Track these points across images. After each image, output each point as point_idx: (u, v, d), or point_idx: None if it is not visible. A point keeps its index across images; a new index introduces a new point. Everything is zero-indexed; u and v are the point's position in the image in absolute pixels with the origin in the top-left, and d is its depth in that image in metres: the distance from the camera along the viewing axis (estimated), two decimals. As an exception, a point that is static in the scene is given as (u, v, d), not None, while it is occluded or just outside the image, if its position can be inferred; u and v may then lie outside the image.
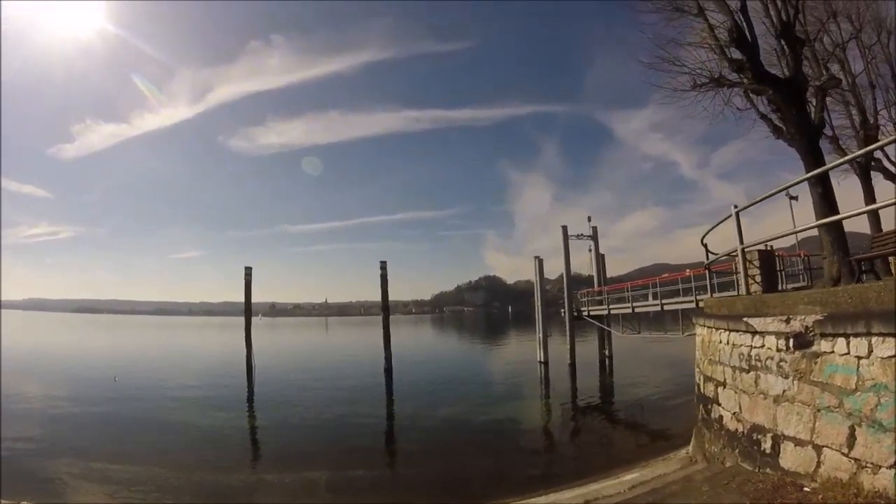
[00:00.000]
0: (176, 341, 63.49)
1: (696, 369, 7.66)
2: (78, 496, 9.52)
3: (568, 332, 28.24)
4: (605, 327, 27.98)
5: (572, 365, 26.75)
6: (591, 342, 31.22)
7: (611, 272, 32.05)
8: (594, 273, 31.02)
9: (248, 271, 28.98)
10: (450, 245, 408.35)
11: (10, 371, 26.97)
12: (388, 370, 26.21)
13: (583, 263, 29.46)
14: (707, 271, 14.05)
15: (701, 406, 7.31)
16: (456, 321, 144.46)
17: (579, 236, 30.07)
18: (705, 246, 9.66)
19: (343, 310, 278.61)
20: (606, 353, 29.26)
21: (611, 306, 25.72)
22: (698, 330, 7.80)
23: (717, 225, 8.33)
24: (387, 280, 27.95)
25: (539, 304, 29.36)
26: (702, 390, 7.29)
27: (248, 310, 29.47)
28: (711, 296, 14.46)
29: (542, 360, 28.03)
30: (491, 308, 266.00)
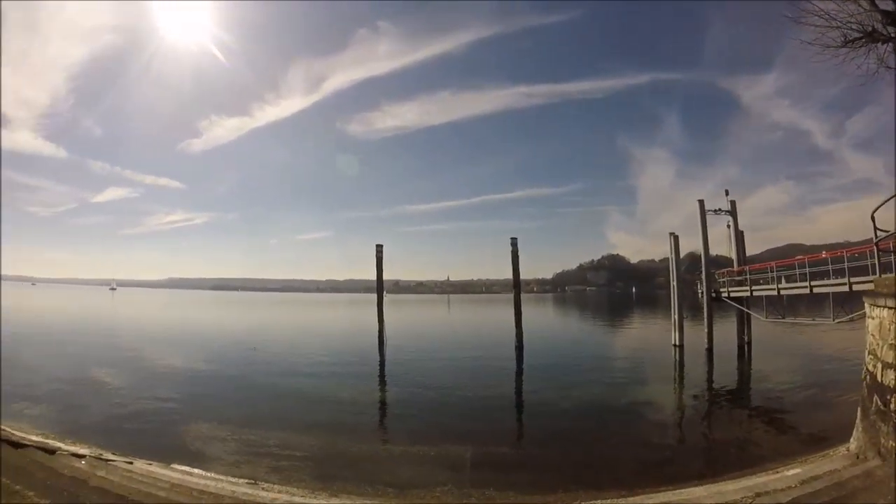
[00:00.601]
0: (307, 316, 67.10)
1: (868, 356, 6.83)
2: (211, 459, 9.86)
3: (706, 315, 26.29)
4: (746, 310, 25.64)
5: (709, 350, 24.87)
6: (725, 326, 28.93)
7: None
8: (733, 251, 28.36)
9: (380, 249, 30.58)
10: (569, 222, 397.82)
11: (157, 342, 31.71)
12: (519, 348, 26.40)
13: (712, 241, 27.12)
14: (875, 249, 12.30)
15: (875, 396, 6.49)
16: (578, 301, 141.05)
17: (716, 211, 27.64)
18: (874, 220, 8.48)
19: (465, 287, 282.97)
20: (745, 338, 26.66)
21: (753, 287, 23.47)
22: (874, 312, 6.90)
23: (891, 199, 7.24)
24: (517, 257, 28.06)
25: (674, 283, 27.71)
26: (878, 379, 6.49)
27: (379, 286, 30.92)
28: (880, 276, 12.58)
29: (678, 343, 26.41)
30: (614, 288, 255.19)
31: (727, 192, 28.09)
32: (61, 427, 11.62)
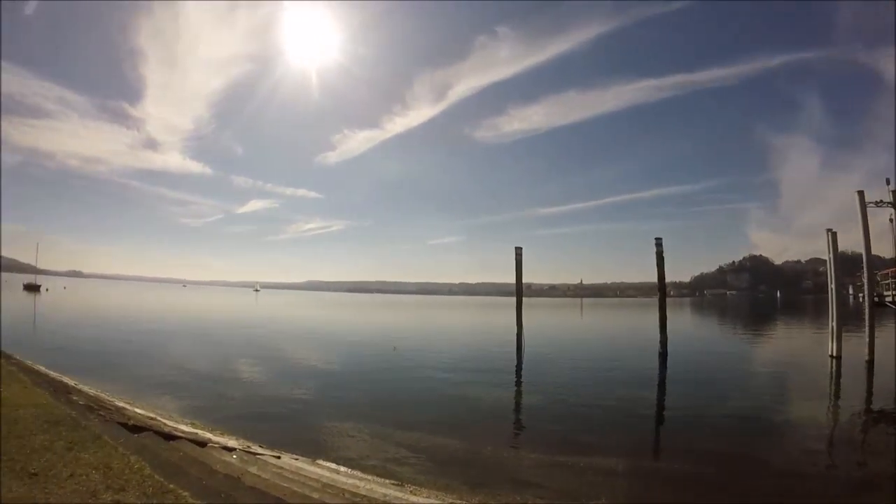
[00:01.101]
0: (442, 318, 66.30)
1: None
2: (353, 457, 9.48)
3: (867, 322, 22.33)
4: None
5: (870, 362, 21.34)
6: (885, 335, 24.12)
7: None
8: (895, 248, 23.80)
9: (519, 252, 30.46)
10: (706, 222, 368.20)
11: (297, 339, 32.83)
12: (663, 355, 24.39)
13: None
14: None
15: None
16: (717, 306, 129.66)
17: (878, 203, 22.97)
18: None
19: (598, 291, 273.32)
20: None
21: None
22: None
23: None
24: (662, 258, 26.09)
25: (833, 286, 24.05)
26: None
27: (519, 289, 30.55)
28: None
29: (835, 354, 22.89)
30: (756, 292, 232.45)
31: (888, 181, 23.34)
32: (206, 417, 11.96)
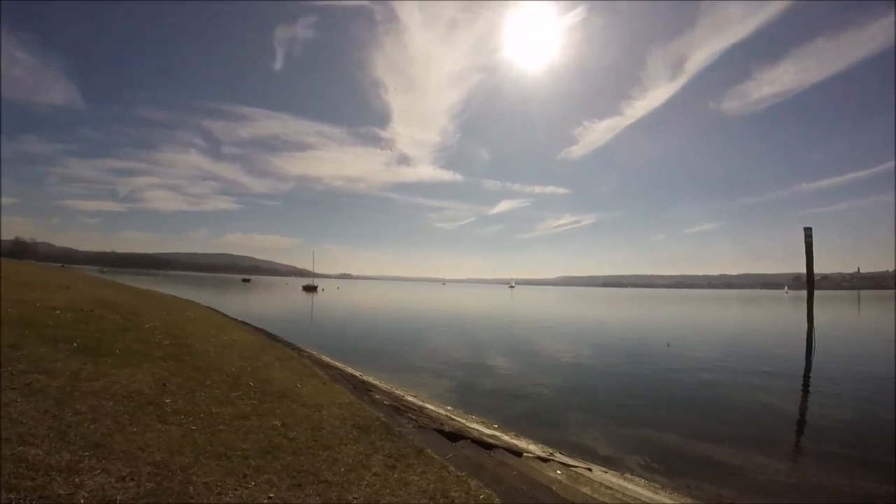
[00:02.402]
0: (705, 313, 60.83)
1: None
2: (644, 468, 8.46)
3: None
4: None
5: None
6: None
7: None
8: None
9: (808, 233, 25.04)
10: None
11: (564, 336, 30.79)
12: None
13: None
14: None
15: None
16: None
17: None
18: None
19: (880, 282, 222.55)
20: None
21: None
22: None
23: None
24: None
25: None
26: None
27: (810, 280, 25.56)
28: None
29: None
30: None
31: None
32: (489, 415, 11.51)
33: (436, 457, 5.31)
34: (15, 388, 4.96)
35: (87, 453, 3.79)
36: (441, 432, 6.78)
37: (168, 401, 5.63)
